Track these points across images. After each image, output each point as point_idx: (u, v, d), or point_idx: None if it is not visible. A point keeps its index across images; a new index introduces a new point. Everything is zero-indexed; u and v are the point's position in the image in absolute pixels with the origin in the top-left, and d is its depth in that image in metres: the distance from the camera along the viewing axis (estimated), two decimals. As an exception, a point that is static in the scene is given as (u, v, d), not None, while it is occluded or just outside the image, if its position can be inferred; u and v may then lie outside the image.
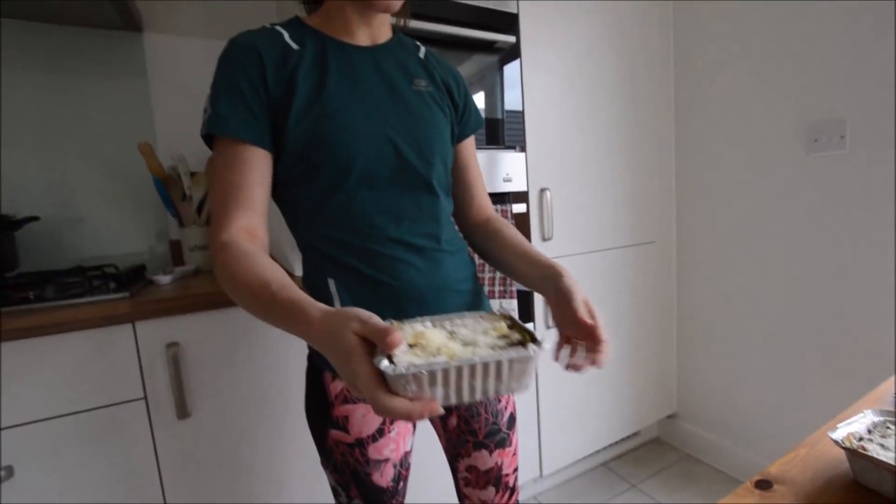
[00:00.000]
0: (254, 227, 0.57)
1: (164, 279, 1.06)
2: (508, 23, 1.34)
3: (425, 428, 0.99)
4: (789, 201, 1.44)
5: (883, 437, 0.45)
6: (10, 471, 0.79)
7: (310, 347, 0.67)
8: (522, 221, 1.42)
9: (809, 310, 1.42)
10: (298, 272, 1.07)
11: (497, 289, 1.30)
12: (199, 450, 0.94)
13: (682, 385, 1.87)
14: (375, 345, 0.38)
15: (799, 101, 1.39)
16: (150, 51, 1.32)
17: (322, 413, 0.67)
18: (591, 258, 1.58)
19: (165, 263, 1.35)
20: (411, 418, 0.36)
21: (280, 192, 0.64)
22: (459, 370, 0.35)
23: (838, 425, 0.46)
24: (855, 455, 0.42)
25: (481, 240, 0.78)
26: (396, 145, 0.63)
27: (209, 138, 0.60)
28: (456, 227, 0.77)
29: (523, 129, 1.40)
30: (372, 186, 0.62)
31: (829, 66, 1.31)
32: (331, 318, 0.42)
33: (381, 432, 0.66)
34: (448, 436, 0.75)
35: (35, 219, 1.12)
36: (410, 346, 0.40)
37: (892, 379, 0.61)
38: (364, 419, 0.65)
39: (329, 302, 0.63)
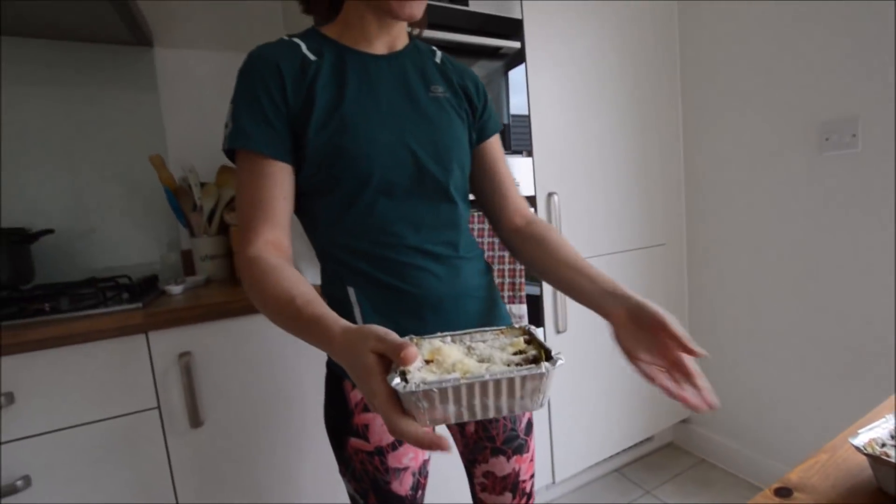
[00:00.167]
0: (278, 240, 0.59)
1: (176, 289, 1.07)
2: (513, 28, 1.34)
3: (442, 428, 0.99)
4: (801, 201, 1.42)
5: (906, 442, 0.44)
6: (27, 480, 0.80)
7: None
8: (530, 226, 1.41)
9: (825, 311, 1.40)
10: (312, 282, 1.08)
11: (507, 293, 1.30)
12: (212, 458, 0.95)
13: (696, 389, 1.84)
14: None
15: (809, 99, 1.37)
16: (160, 65, 1.34)
17: (342, 421, 0.67)
18: (601, 262, 1.57)
19: (177, 273, 1.37)
20: (420, 446, 0.36)
21: (300, 202, 0.65)
22: (471, 387, 0.35)
23: (860, 431, 0.45)
24: (878, 462, 0.41)
25: (523, 245, 0.73)
26: (415, 153, 0.63)
27: (231, 152, 0.61)
28: (473, 234, 0.77)
29: (529, 134, 1.40)
30: (391, 195, 0.62)
31: (840, 63, 1.29)
32: (351, 336, 0.43)
33: (401, 441, 0.66)
34: (466, 441, 0.75)
35: (50, 231, 1.14)
36: (427, 361, 0.40)
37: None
38: (384, 427, 0.65)
39: (349, 310, 0.63)
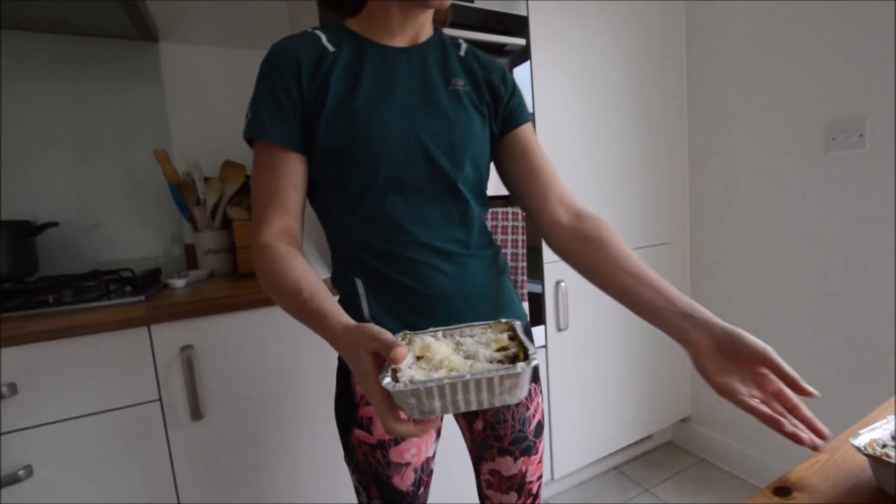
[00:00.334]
0: (289, 227, 0.61)
1: (179, 283, 1.07)
2: (518, 25, 1.33)
3: (449, 426, 0.99)
4: (807, 201, 1.42)
5: (907, 443, 0.44)
6: (29, 470, 0.80)
7: None
8: (533, 224, 1.41)
9: (828, 311, 1.39)
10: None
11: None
12: (213, 451, 0.95)
13: (696, 387, 1.84)
14: None
15: (816, 98, 1.36)
16: (165, 60, 1.34)
17: (348, 413, 0.67)
18: (603, 260, 1.56)
19: (180, 267, 1.37)
20: (411, 437, 0.42)
21: (313, 192, 0.66)
22: (454, 386, 0.38)
23: (860, 431, 0.45)
24: (878, 462, 0.41)
25: (572, 244, 0.66)
26: (426, 148, 0.62)
27: (250, 141, 0.63)
28: (488, 231, 0.74)
29: (534, 131, 1.39)
30: (400, 190, 0.62)
31: (847, 63, 1.28)
32: (350, 335, 0.46)
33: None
34: (473, 438, 0.75)
35: (54, 224, 1.15)
36: (418, 357, 0.44)
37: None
38: None
39: (357, 302, 0.64)
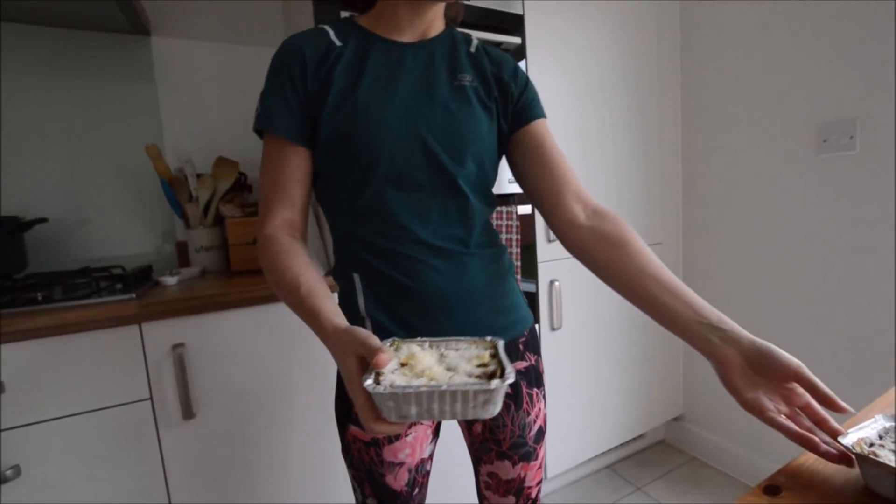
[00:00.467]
0: (293, 220, 0.63)
1: (171, 280, 1.06)
2: (514, 24, 1.33)
3: (449, 425, 0.99)
4: (798, 202, 1.43)
5: (895, 442, 0.44)
6: (17, 470, 0.79)
7: None
8: (527, 223, 1.41)
9: (818, 311, 1.40)
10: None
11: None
12: (204, 450, 0.95)
13: (689, 387, 1.86)
14: None
15: (807, 100, 1.37)
16: (157, 54, 1.33)
17: (344, 408, 0.68)
18: (597, 260, 1.57)
19: (172, 264, 1.36)
20: (388, 434, 0.45)
21: (317, 185, 0.66)
22: (430, 395, 0.41)
23: (848, 430, 0.45)
24: (866, 461, 0.42)
25: (589, 245, 0.63)
26: (426, 143, 0.61)
27: (260, 133, 0.65)
28: (493, 230, 0.72)
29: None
30: (399, 185, 0.61)
31: (839, 66, 1.30)
32: (339, 337, 0.47)
33: (397, 435, 0.66)
34: (472, 439, 0.75)
35: (43, 220, 1.13)
36: (403, 364, 0.46)
37: (904, 383, 0.60)
38: None
39: (354, 297, 0.65)
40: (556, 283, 1.45)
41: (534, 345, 0.74)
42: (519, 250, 1.30)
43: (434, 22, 0.67)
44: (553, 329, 1.48)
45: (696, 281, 1.77)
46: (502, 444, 0.71)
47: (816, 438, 0.45)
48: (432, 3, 0.64)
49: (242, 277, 1.13)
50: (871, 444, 0.44)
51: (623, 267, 0.59)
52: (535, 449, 0.72)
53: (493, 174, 0.70)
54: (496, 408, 0.42)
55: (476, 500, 0.80)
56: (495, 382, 0.41)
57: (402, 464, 0.67)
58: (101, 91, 1.27)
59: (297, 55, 0.61)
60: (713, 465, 1.75)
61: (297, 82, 0.61)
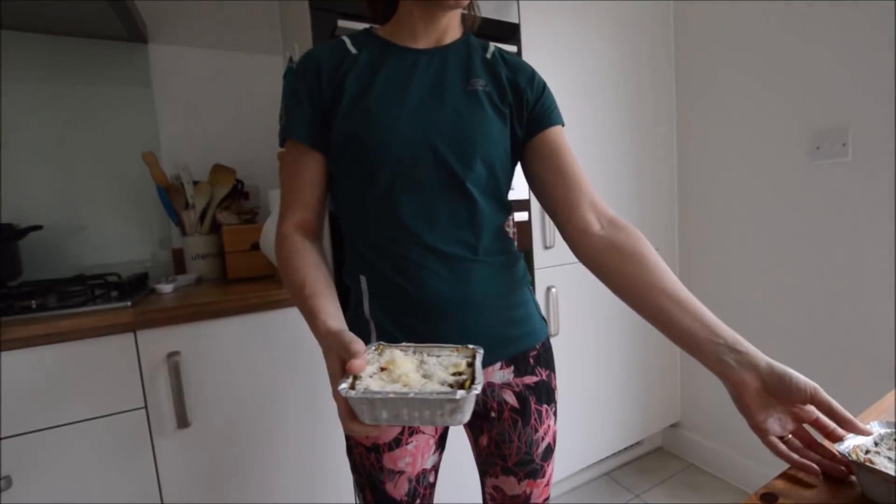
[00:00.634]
0: (307, 220, 0.65)
1: (166, 288, 1.06)
2: (510, 32, 1.34)
3: (456, 434, 0.99)
4: (792, 208, 1.44)
5: (890, 449, 0.44)
6: (8, 481, 0.78)
7: None
8: (524, 229, 1.42)
9: (814, 318, 1.41)
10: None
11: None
12: (199, 459, 0.94)
13: (686, 393, 1.86)
14: None
15: (801, 108, 1.39)
16: (154, 62, 1.33)
17: None
18: (593, 266, 1.57)
19: (168, 272, 1.36)
20: (363, 434, 0.47)
21: (332, 189, 0.68)
22: (399, 402, 0.42)
23: (845, 437, 0.46)
24: (862, 468, 0.42)
25: (603, 255, 0.61)
26: (434, 145, 0.61)
27: (283, 140, 0.68)
28: (507, 238, 0.71)
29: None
30: (407, 188, 0.61)
31: (832, 73, 1.31)
32: (328, 340, 0.49)
33: (397, 442, 0.65)
34: (479, 452, 0.74)
35: (38, 227, 1.13)
36: (382, 368, 0.48)
37: (898, 389, 0.60)
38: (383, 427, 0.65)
39: (360, 298, 0.66)
40: (553, 290, 1.46)
41: (546, 359, 0.73)
42: (516, 257, 1.30)
43: (449, 29, 0.68)
44: (550, 336, 1.48)
45: (690, 287, 1.76)
46: (508, 460, 0.70)
47: (816, 467, 0.45)
48: (445, 11, 0.64)
49: (238, 285, 1.13)
50: (868, 451, 0.44)
51: (636, 280, 0.58)
52: (542, 466, 0.71)
53: (505, 179, 0.70)
54: (465, 416, 0.43)
55: None
56: (461, 393, 0.42)
57: (401, 472, 0.66)
58: (98, 98, 1.27)
59: (314, 66, 0.64)
60: (711, 471, 1.74)
61: (314, 90, 0.63)
